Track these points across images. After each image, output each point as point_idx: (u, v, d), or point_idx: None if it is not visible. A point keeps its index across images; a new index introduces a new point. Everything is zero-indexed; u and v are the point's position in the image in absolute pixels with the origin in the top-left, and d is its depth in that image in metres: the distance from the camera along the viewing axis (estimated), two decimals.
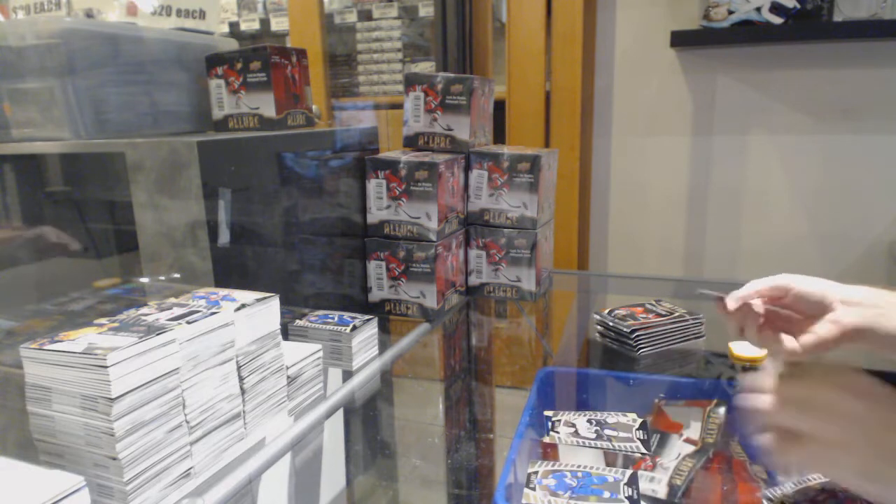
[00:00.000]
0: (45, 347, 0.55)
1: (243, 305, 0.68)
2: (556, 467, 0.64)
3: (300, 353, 0.80)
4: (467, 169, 1.25)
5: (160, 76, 0.98)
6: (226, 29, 2.51)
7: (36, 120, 0.89)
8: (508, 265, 1.26)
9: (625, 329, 1.13)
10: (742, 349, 1.08)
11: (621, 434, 0.76)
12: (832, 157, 1.80)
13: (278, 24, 2.47)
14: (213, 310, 0.65)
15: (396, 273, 1.17)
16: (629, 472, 0.63)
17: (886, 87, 1.72)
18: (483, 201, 1.25)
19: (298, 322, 0.96)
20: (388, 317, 1.19)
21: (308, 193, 1.04)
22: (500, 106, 1.88)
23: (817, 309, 0.60)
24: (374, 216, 1.17)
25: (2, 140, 0.92)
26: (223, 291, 0.73)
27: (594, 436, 0.75)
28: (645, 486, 0.70)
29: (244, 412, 0.69)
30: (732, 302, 0.64)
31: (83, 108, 0.87)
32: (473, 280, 1.30)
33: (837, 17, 1.65)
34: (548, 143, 1.97)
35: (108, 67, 0.90)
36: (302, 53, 1.04)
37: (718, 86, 1.86)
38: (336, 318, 0.97)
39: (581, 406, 0.98)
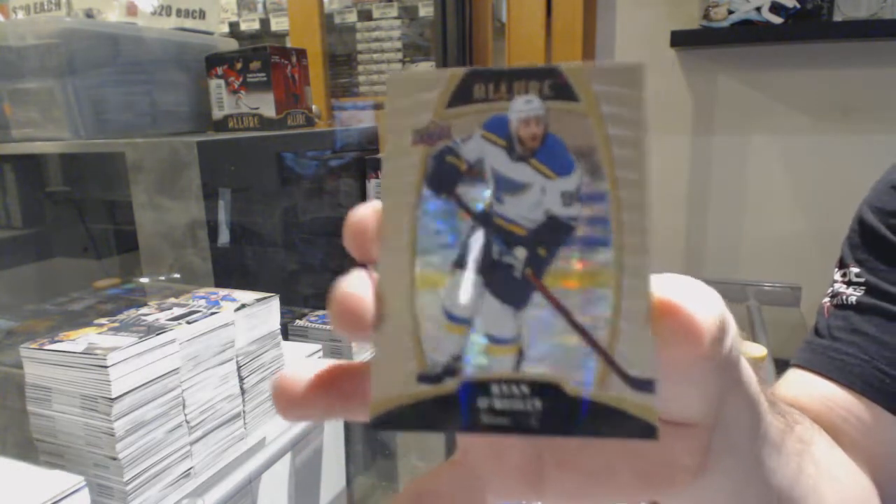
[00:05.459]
0: (45, 347, 0.55)
1: (243, 305, 0.68)
2: None
3: (300, 353, 0.80)
4: None
5: (160, 76, 0.98)
6: (226, 29, 2.50)
7: (36, 120, 0.89)
8: None
9: None
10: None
11: None
12: (832, 157, 1.80)
13: (278, 24, 2.46)
14: (213, 310, 0.65)
15: None
16: None
17: (886, 87, 1.72)
18: None
19: (298, 322, 0.96)
20: None
21: (308, 193, 1.04)
22: None
23: None
24: None
25: (2, 140, 0.92)
26: (223, 291, 0.73)
27: None
28: None
29: (244, 412, 0.69)
30: None
31: (83, 108, 0.87)
32: None
33: (837, 17, 1.65)
34: None
35: (108, 67, 0.90)
36: (302, 53, 1.04)
37: (719, 86, 1.86)
38: None
39: None
